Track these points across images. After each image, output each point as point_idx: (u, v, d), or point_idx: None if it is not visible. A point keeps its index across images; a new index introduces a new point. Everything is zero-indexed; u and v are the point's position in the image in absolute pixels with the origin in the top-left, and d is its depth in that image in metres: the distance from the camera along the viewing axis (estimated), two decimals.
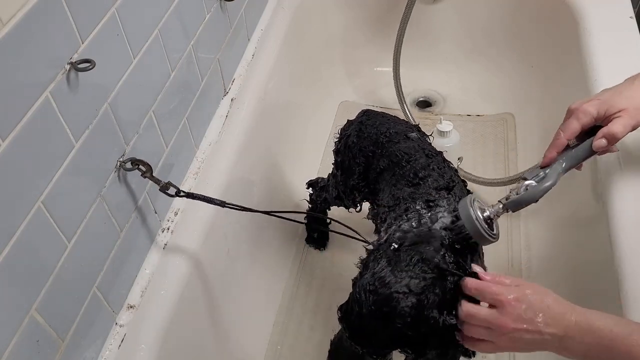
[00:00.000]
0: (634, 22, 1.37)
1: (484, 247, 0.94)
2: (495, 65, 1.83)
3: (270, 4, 1.60)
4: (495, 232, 0.83)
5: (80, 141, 0.81)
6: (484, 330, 0.74)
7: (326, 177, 1.32)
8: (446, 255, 0.82)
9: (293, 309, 1.40)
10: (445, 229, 0.85)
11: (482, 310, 0.75)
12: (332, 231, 1.02)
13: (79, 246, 0.82)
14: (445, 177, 0.99)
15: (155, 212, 1.05)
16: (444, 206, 0.92)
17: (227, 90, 1.35)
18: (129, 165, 0.92)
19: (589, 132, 0.88)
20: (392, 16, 1.78)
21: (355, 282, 0.85)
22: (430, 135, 1.18)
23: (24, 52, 0.69)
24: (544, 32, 1.66)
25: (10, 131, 0.68)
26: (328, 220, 1.45)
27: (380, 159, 1.08)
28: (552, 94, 1.62)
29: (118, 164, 0.91)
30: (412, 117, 1.70)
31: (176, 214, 1.11)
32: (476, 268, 0.79)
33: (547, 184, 0.83)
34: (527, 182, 0.84)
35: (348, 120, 1.22)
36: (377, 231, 1.06)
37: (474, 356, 1.26)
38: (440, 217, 0.89)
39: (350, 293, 0.84)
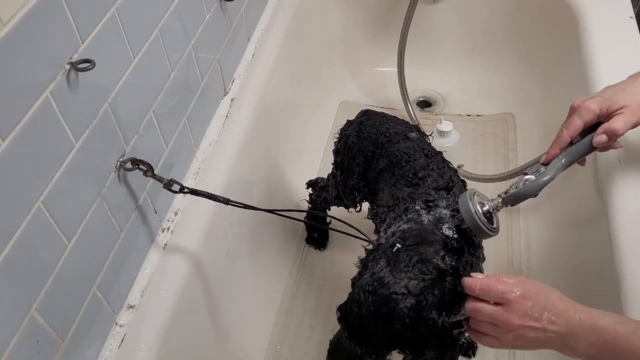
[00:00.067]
0: (634, 22, 1.37)
1: (484, 247, 0.94)
2: (495, 65, 1.83)
3: (270, 4, 1.60)
4: (494, 226, 0.84)
5: (80, 141, 0.81)
6: (490, 326, 0.74)
7: (326, 177, 1.32)
8: (446, 256, 0.82)
9: (293, 309, 1.40)
10: (444, 228, 0.85)
11: (486, 307, 0.74)
12: (332, 229, 1.01)
13: (79, 246, 0.82)
14: (444, 177, 0.99)
15: (155, 212, 1.05)
16: (443, 206, 0.92)
17: (227, 90, 1.35)
18: (129, 165, 0.92)
19: (592, 129, 0.89)
20: (392, 16, 1.79)
21: (354, 282, 0.85)
22: (430, 135, 1.18)
23: (24, 52, 0.69)
24: (544, 32, 1.66)
25: (10, 131, 0.68)
26: (328, 220, 1.46)
27: (379, 159, 1.08)
28: (552, 94, 1.62)
29: (118, 164, 0.91)
30: (416, 117, 1.70)
31: (176, 213, 1.11)
32: (476, 275, 0.79)
33: (545, 178, 0.84)
34: (526, 177, 0.85)
35: (348, 120, 1.22)
36: (376, 231, 1.06)
37: (474, 356, 1.26)
38: (439, 217, 0.89)
39: (350, 293, 0.84)
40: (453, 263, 0.82)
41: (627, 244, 0.93)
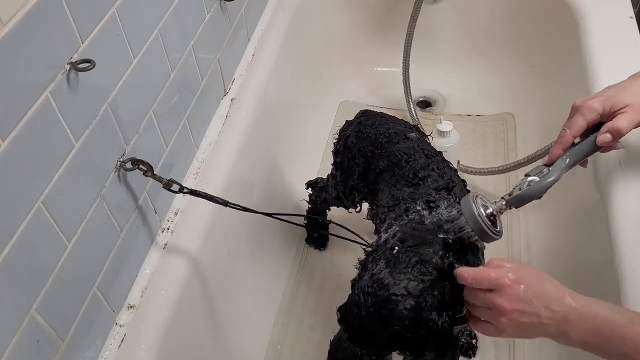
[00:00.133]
0: (634, 22, 1.37)
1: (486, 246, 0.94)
2: (495, 65, 1.83)
3: (270, 4, 1.60)
4: (498, 229, 0.82)
5: (80, 141, 0.81)
6: (485, 311, 0.74)
7: (325, 177, 1.32)
8: (445, 256, 0.82)
9: (293, 309, 1.40)
10: (446, 230, 0.85)
11: (480, 292, 0.74)
12: (332, 234, 1.01)
13: (79, 246, 0.82)
14: (444, 177, 0.99)
15: (155, 212, 1.05)
16: (444, 206, 0.92)
17: (227, 90, 1.35)
18: (129, 165, 0.92)
19: (594, 129, 0.88)
20: (392, 16, 1.79)
21: (354, 283, 0.85)
22: (430, 135, 1.18)
23: (24, 52, 0.69)
24: (544, 32, 1.66)
25: (10, 131, 0.68)
26: (328, 220, 1.46)
27: (379, 159, 1.08)
28: (552, 94, 1.62)
29: (118, 164, 0.91)
30: (417, 117, 1.70)
31: (176, 214, 1.11)
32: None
33: (550, 179, 0.83)
34: (530, 178, 0.84)
35: (346, 121, 1.21)
36: (376, 231, 1.06)
37: (474, 356, 1.26)
38: (441, 218, 0.88)
39: (349, 294, 0.84)
40: (453, 262, 0.81)
41: (627, 244, 0.93)
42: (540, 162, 0.95)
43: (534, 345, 1.27)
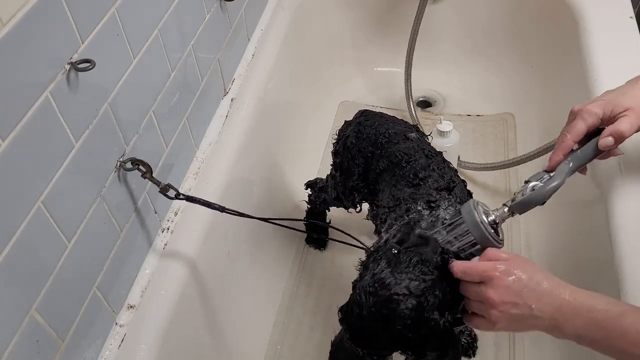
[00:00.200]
0: (634, 22, 1.37)
1: None
2: (495, 65, 1.83)
3: (270, 4, 1.60)
4: (500, 237, 0.80)
5: (80, 141, 0.81)
6: (477, 304, 0.74)
7: (325, 177, 1.32)
8: (445, 255, 0.82)
9: (293, 309, 1.40)
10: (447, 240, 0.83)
11: (470, 286, 0.75)
12: (331, 239, 1.01)
13: (79, 246, 0.82)
14: (445, 177, 0.99)
15: (155, 212, 1.05)
16: (445, 207, 0.92)
17: (227, 90, 1.35)
18: (129, 165, 0.92)
19: (593, 134, 0.86)
20: (392, 16, 1.79)
21: (355, 284, 0.85)
22: (429, 135, 1.18)
23: (24, 52, 0.69)
24: (544, 32, 1.66)
25: (10, 131, 0.68)
26: (328, 220, 1.46)
27: (379, 159, 1.08)
28: (552, 94, 1.62)
29: (118, 164, 0.91)
30: (417, 117, 1.70)
31: (176, 214, 1.11)
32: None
33: (555, 183, 0.80)
34: (532, 184, 0.81)
35: (345, 121, 1.21)
36: (377, 232, 1.06)
37: (474, 356, 1.26)
38: (442, 218, 0.88)
39: (351, 294, 0.84)
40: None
41: (627, 244, 0.93)
42: (539, 165, 0.94)
43: (534, 344, 1.27)
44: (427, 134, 1.16)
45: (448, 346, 0.81)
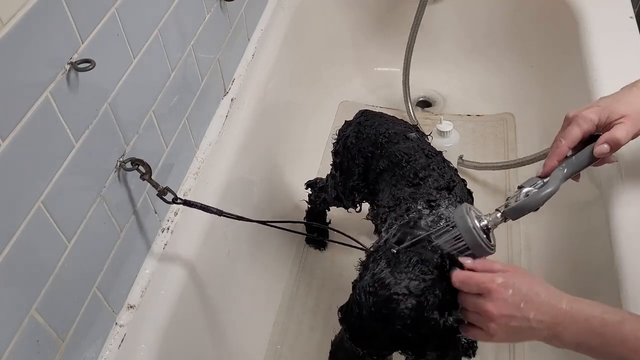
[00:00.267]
0: (634, 22, 1.37)
1: None
2: (495, 65, 1.83)
3: (270, 4, 1.60)
4: (492, 243, 0.79)
5: (80, 141, 0.81)
6: (475, 316, 0.74)
7: (325, 177, 1.32)
8: (445, 255, 0.82)
9: (293, 309, 1.40)
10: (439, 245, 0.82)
11: (468, 297, 0.74)
12: (331, 241, 1.01)
13: (79, 246, 0.82)
14: (445, 177, 0.99)
15: (155, 212, 1.05)
16: (445, 206, 0.92)
17: (227, 90, 1.35)
18: (129, 165, 0.92)
19: (587, 141, 0.85)
20: (392, 16, 1.79)
21: (355, 284, 0.85)
22: (429, 135, 1.18)
23: (24, 52, 0.69)
24: (544, 32, 1.66)
25: (10, 131, 0.68)
26: (328, 220, 1.46)
27: (379, 159, 1.08)
28: (552, 94, 1.62)
29: (118, 164, 0.91)
30: (415, 117, 1.70)
31: (176, 214, 1.11)
32: (465, 260, 0.77)
33: (549, 189, 0.79)
34: (526, 189, 0.80)
35: (345, 121, 1.21)
36: (377, 231, 1.06)
37: (474, 356, 1.26)
38: (445, 217, 0.88)
39: (351, 294, 0.84)
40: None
41: (627, 245, 0.93)
42: (534, 170, 0.93)
43: (534, 345, 1.27)
44: (427, 134, 1.16)
45: (448, 346, 0.81)
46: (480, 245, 0.77)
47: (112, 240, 0.92)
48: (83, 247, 0.83)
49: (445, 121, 1.55)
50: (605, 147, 0.82)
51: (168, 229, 1.09)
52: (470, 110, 1.82)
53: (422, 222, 0.90)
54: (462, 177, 1.04)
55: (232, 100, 1.34)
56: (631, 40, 1.32)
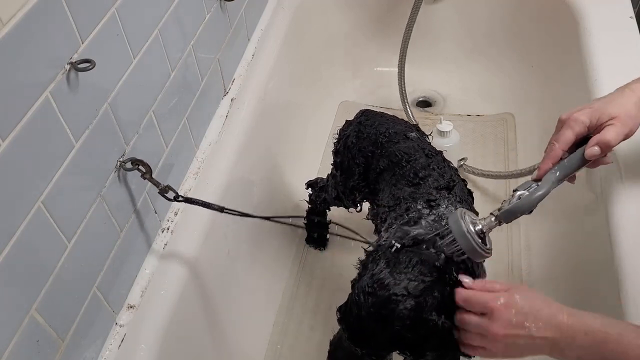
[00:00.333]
0: (634, 22, 1.37)
1: None
2: (495, 65, 1.83)
3: (270, 4, 1.60)
4: (488, 247, 0.80)
5: (80, 141, 0.81)
6: (478, 337, 0.74)
7: (325, 177, 1.32)
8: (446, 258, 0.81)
9: (293, 309, 1.40)
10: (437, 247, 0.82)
11: (472, 318, 0.75)
12: (332, 234, 1.01)
13: (79, 246, 0.82)
14: (445, 176, 0.99)
15: (155, 212, 1.05)
16: (445, 206, 0.91)
17: (227, 90, 1.35)
18: (129, 165, 0.92)
19: (581, 142, 0.86)
20: (392, 16, 1.79)
21: (354, 283, 0.85)
22: (430, 135, 1.18)
23: (24, 52, 0.69)
24: (544, 32, 1.66)
25: (10, 131, 0.68)
26: (328, 220, 1.46)
27: (379, 159, 1.08)
28: (552, 94, 1.62)
29: (118, 164, 0.91)
30: (414, 118, 1.70)
31: (176, 214, 1.11)
32: (463, 278, 0.78)
33: (540, 192, 0.80)
34: (519, 193, 0.81)
35: (346, 120, 1.21)
36: (377, 231, 1.06)
37: (473, 356, 1.26)
38: (443, 218, 0.88)
39: (349, 294, 0.84)
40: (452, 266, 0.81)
41: (627, 244, 0.93)
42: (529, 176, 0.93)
43: None
44: (427, 134, 1.16)
45: (447, 347, 0.81)
46: (475, 250, 0.77)
47: (112, 240, 0.92)
48: (83, 247, 0.83)
49: (445, 121, 1.55)
50: (596, 150, 0.82)
51: (168, 229, 1.09)
52: (470, 110, 1.82)
53: (423, 222, 0.89)
54: (462, 177, 1.04)
55: (232, 100, 1.34)
56: (631, 40, 1.32)
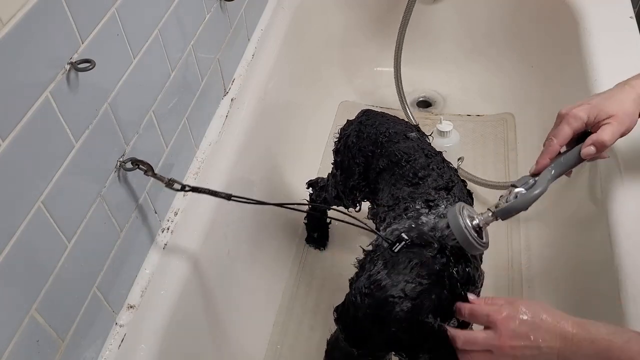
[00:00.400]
0: (634, 22, 1.37)
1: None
2: (495, 65, 1.83)
3: (270, 4, 1.60)
4: (484, 240, 0.82)
5: (80, 141, 0.81)
6: (486, 355, 0.74)
7: (326, 177, 1.32)
8: (443, 259, 0.81)
9: (293, 309, 1.40)
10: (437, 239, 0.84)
11: (478, 335, 0.75)
12: (336, 219, 1.00)
13: (79, 246, 0.82)
14: (444, 177, 0.99)
15: (155, 212, 1.05)
16: (444, 206, 0.91)
17: (227, 90, 1.35)
18: (129, 165, 0.92)
19: (579, 138, 0.87)
20: (392, 16, 1.79)
21: (351, 282, 0.85)
22: (430, 135, 1.18)
23: (24, 52, 0.69)
24: (544, 32, 1.66)
25: (10, 131, 0.68)
26: (329, 221, 1.46)
27: (379, 158, 1.08)
28: (552, 94, 1.62)
29: (118, 164, 0.91)
30: (413, 118, 1.70)
31: (176, 214, 1.11)
32: (470, 296, 0.80)
33: (537, 191, 0.82)
34: (516, 190, 0.83)
35: (348, 120, 1.22)
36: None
37: None
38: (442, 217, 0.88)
39: (347, 294, 0.83)
40: (450, 267, 0.81)
41: (627, 244, 0.93)
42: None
43: None
44: (427, 134, 1.16)
45: (443, 349, 0.80)
46: (471, 243, 0.80)
47: (112, 240, 0.92)
48: (83, 247, 0.83)
49: (445, 121, 1.55)
50: (592, 149, 0.84)
51: (168, 228, 1.09)
52: (470, 110, 1.82)
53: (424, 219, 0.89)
54: (462, 178, 1.04)
55: (232, 100, 1.34)
56: (631, 40, 1.32)
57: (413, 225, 0.88)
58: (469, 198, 1.01)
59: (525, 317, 0.72)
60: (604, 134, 0.83)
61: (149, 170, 0.93)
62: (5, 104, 0.67)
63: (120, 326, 0.95)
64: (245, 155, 1.29)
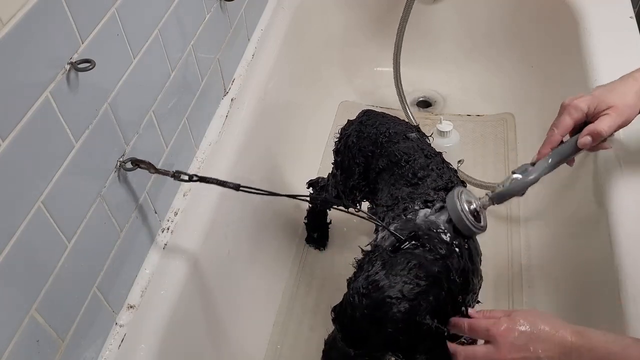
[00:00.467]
0: (634, 22, 1.37)
1: (482, 249, 0.94)
2: (495, 65, 1.83)
3: (270, 4, 1.60)
4: (482, 224, 0.85)
5: (80, 141, 0.81)
6: None
7: (326, 176, 1.32)
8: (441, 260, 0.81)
9: (293, 309, 1.40)
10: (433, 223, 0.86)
11: (479, 350, 0.75)
12: (340, 209, 1.00)
13: (79, 246, 0.82)
14: (443, 177, 0.99)
15: (155, 212, 1.05)
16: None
17: (227, 90, 1.36)
18: (129, 165, 0.92)
19: (580, 128, 0.89)
20: (392, 16, 1.78)
21: (349, 282, 0.84)
22: (430, 135, 1.18)
23: (24, 52, 0.69)
24: (544, 32, 1.66)
25: (10, 131, 0.68)
26: (329, 220, 1.46)
27: (379, 159, 1.08)
28: (552, 94, 1.61)
29: (118, 164, 0.91)
30: (413, 118, 1.70)
31: (176, 214, 1.11)
32: (471, 312, 0.80)
33: (531, 177, 0.86)
34: (513, 176, 0.87)
35: (348, 120, 1.22)
36: (376, 231, 1.06)
37: None
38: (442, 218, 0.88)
39: (344, 294, 0.83)
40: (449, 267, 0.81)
41: (627, 244, 0.93)
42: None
43: None
44: (428, 135, 1.16)
45: (440, 350, 0.80)
46: (467, 226, 0.84)
47: (112, 240, 0.92)
48: (83, 247, 0.83)
49: (445, 121, 1.55)
50: (588, 139, 0.86)
51: (168, 228, 1.09)
52: (470, 110, 1.82)
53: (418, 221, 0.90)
54: (461, 179, 1.04)
55: (232, 100, 1.34)
56: (631, 40, 1.32)
57: (412, 225, 0.88)
58: None
59: (523, 329, 0.72)
60: (601, 124, 0.85)
61: (150, 167, 0.93)
62: (5, 104, 0.67)
63: (120, 326, 0.95)
64: (245, 155, 1.29)
